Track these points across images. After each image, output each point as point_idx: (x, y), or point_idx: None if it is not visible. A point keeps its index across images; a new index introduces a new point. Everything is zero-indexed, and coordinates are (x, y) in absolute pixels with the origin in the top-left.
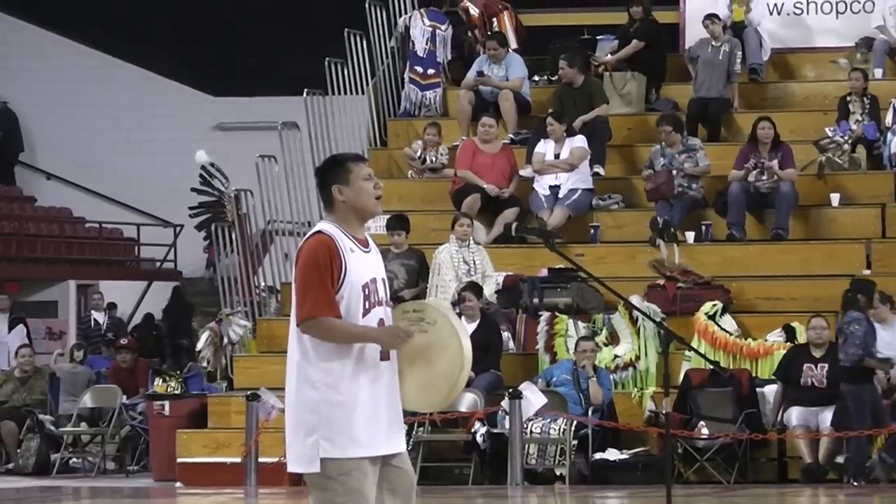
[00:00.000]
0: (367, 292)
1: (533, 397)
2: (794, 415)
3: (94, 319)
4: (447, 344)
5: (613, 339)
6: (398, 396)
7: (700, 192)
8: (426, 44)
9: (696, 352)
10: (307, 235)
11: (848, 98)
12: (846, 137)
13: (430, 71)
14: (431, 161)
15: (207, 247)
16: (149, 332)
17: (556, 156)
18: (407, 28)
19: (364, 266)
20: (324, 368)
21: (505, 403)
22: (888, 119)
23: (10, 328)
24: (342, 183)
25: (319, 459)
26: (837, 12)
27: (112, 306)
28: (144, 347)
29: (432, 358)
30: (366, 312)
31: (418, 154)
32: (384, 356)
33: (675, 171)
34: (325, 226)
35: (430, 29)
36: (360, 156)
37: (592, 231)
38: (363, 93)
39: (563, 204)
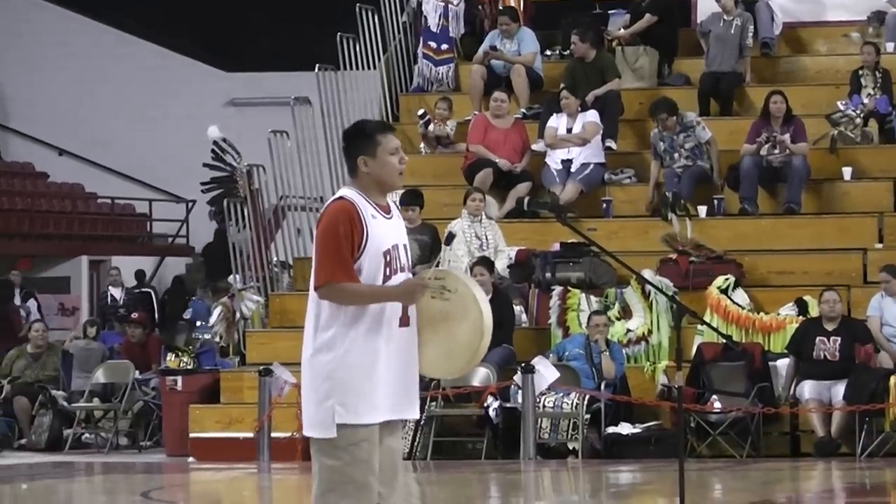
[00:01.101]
0: (388, 258)
1: (545, 372)
2: (807, 388)
3: (111, 295)
4: (468, 312)
5: (626, 313)
6: (416, 364)
7: (707, 163)
8: (439, 19)
9: (709, 326)
10: (329, 200)
11: (860, 72)
12: (858, 111)
13: (444, 46)
14: (440, 134)
15: (215, 215)
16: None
17: (569, 130)
18: (419, 3)
19: (386, 232)
20: (341, 334)
21: (517, 378)
22: None
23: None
24: (368, 155)
25: (335, 425)
26: None
27: (141, 274)
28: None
29: (453, 326)
30: (386, 279)
31: (422, 122)
32: (403, 322)
33: (677, 154)
34: (348, 191)
35: (443, 4)
36: (388, 126)
37: (605, 205)
38: (375, 68)
39: (575, 178)
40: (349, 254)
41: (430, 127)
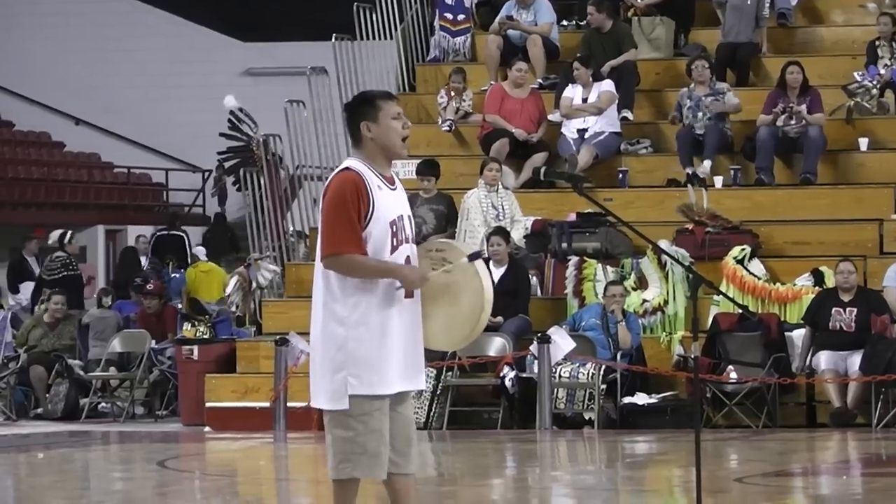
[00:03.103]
0: (394, 229)
1: (561, 342)
2: (823, 359)
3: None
4: (469, 284)
5: (642, 283)
6: (421, 334)
7: (729, 130)
8: None
9: (725, 296)
10: (335, 172)
11: (876, 42)
12: (875, 82)
13: (460, 17)
14: (457, 109)
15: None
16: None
17: (585, 100)
18: None
19: (391, 203)
20: (351, 304)
21: (533, 348)
22: None
23: None
24: (371, 120)
25: (348, 396)
26: None
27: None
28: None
29: (454, 297)
30: (393, 249)
31: (444, 106)
32: (408, 294)
33: (701, 113)
34: (353, 162)
35: None
36: (389, 93)
37: (621, 175)
38: (392, 38)
39: (589, 143)
40: (357, 223)
41: (453, 107)
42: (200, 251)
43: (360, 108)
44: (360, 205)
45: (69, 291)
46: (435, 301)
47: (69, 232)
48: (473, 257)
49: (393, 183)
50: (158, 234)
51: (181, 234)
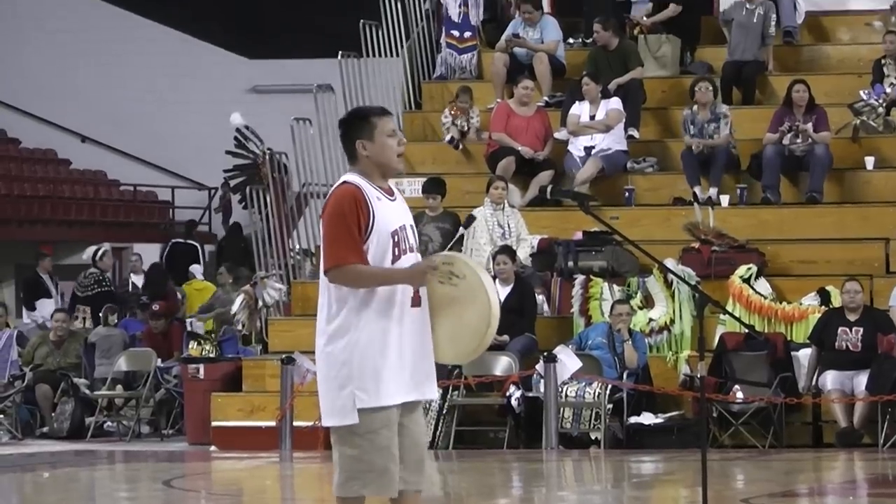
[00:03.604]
0: (396, 239)
1: (568, 361)
2: (829, 379)
3: (132, 283)
4: (475, 298)
5: (648, 302)
6: (430, 344)
7: (735, 149)
8: (459, 7)
9: (731, 315)
10: (334, 186)
11: (882, 61)
12: (881, 100)
13: (467, 34)
14: (463, 128)
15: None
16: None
17: (592, 118)
18: None
19: (392, 213)
20: (352, 319)
21: (540, 367)
22: None
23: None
24: (366, 138)
25: (356, 410)
26: None
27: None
28: None
29: (460, 311)
30: (395, 259)
31: (447, 126)
32: (415, 303)
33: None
34: (351, 176)
35: None
36: (384, 109)
37: (627, 194)
38: (398, 55)
39: (596, 156)
40: (358, 236)
41: (459, 126)
42: (197, 269)
43: (355, 126)
44: (359, 216)
45: (102, 307)
46: (441, 314)
47: (102, 248)
48: (456, 244)
49: (392, 194)
50: (173, 242)
51: (195, 243)
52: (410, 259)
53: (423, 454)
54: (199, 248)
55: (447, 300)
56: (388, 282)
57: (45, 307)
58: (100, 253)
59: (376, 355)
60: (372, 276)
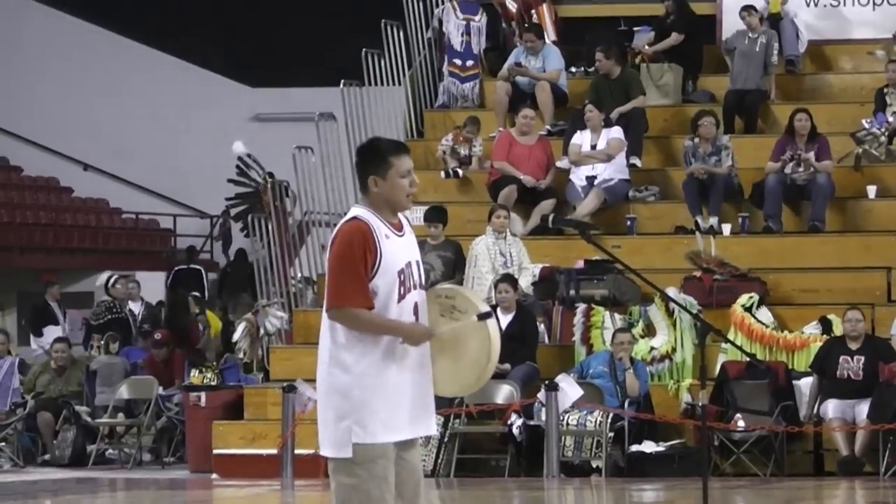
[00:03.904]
0: (402, 277)
1: (569, 389)
2: (831, 407)
3: (130, 310)
4: (477, 332)
5: (650, 330)
6: (430, 380)
7: (737, 178)
8: (461, 36)
9: (733, 344)
10: (342, 221)
11: (885, 90)
12: (883, 129)
13: (469, 62)
14: (462, 155)
15: (223, 224)
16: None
17: (593, 147)
18: (441, 23)
19: (399, 251)
20: (356, 352)
21: (541, 395)
22: None
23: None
24: (379, 175)
25: (352, 444)
26: (874, 3)
27: (192, 250)
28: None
29: (461, 345)
30: (401, 298)
31: (445, 151)
32: None
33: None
34: (360, 211)
35: (464, 22)
36: (402, 146)
37: (629, 222)
38: (400, 84)
39: (598, 188)
40: (364, 275)
41: (461, 152)
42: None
43: (370, 160)
44: (367, 255)
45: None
46: (441, 348)
47: (115, 276)
48: (483, 317)
49: (400, 229)
50: (177, 269)
51: (199, 267)
52: (415, 296)
53: (419, 484)
54: (202, 272)
55: (448, 334)
56: (388, 333)
57: (53, 334)
58: (112, 280)
59: (377, 392)
60: (372, 324)
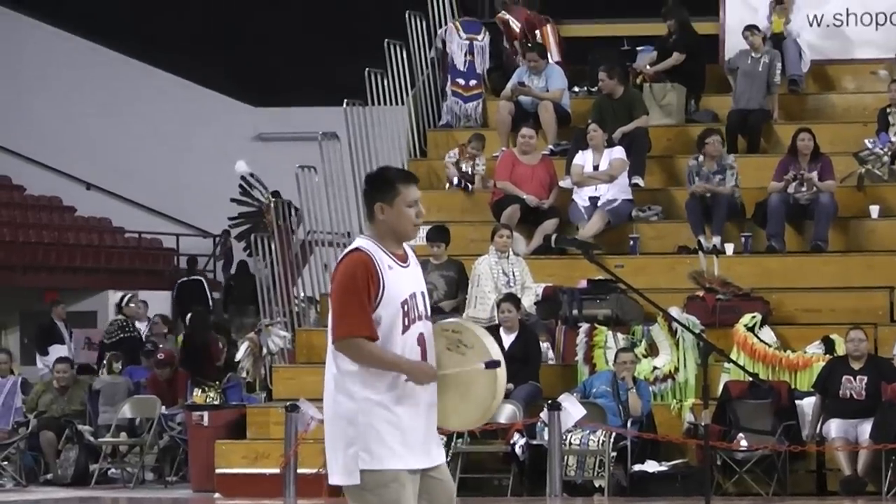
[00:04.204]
0: (406, 308)
1: (572, 409)
2: (833, 427)
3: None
4: (483, 378)
5: (653, 350)
6: (435, 409)
7: (739, 198)
8: (465, 56)
9: (736, 363)
10: (345, 252)
11: (888, 109)
12: (886, 149)
13: (472, 82)
14: (466, 172)
15: (224, 243)
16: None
17: (596, 167)
18: (444, 43)
19: (403, 282)
20: (362, 380)
21: (544, 415)
22: None
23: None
24: (386, 203)
25: (359, 471)
26: (877, 24)
27: (192, 261)
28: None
29: (467, 380)
30: (405, 329)
31: (452, 165)
32: None
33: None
34: (364, 242)
35: (468, 42)
36: (411, 175)
37: (632, 242)
38: (403, 103)
39: (602, 209)
40: (368, 305)
41: (465, 168)
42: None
43: (378, 188)
44: (370, 286)
45: (127, 353)
46: (446, 383)
47: (128, 295)
48: (491, 365)
49: (405, 260)
50: (180, 282)
51: (200, 278)
52: (420, 327)
53: (452, 500)
54: (203, 282)
55: (454, 377)
56: (392, 369)
57: (58, 353)
58: (125, 300)
59: (383, 419)
60: (376, 359)
